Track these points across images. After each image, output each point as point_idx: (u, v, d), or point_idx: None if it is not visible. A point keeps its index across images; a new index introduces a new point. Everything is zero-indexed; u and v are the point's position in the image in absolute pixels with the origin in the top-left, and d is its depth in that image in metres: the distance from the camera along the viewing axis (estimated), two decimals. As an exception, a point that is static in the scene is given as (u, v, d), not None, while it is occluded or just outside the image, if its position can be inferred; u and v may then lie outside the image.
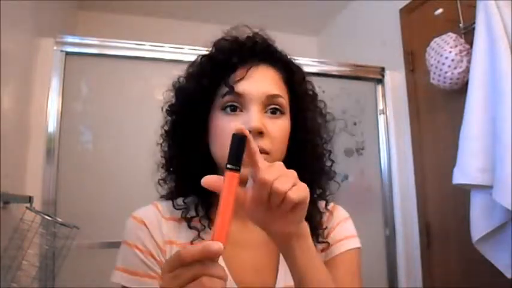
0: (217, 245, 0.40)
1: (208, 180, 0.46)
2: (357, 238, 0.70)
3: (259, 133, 0.59)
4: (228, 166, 0.44)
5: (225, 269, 0.61)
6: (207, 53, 0.67)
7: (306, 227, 0.52)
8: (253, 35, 0.66)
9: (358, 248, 0.69)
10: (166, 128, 0.69)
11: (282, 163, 0.47)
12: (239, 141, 0.44)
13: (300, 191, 0.45)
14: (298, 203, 0.45)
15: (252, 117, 0.59)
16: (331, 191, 0.71)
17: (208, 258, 0.40)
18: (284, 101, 0.64)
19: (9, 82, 1.25)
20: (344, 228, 0.70)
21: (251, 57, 0.64)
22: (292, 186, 0.45)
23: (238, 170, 0.44)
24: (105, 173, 1.53)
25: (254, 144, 0.46)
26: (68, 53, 1.54)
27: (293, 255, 0.51)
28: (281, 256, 0.64)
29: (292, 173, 0.46)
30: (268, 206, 0.46)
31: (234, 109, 0.62)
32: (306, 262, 0.51)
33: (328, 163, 0.71)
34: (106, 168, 1.54)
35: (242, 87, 0.61)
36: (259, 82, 0.62)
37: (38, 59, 1.50)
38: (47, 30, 1.57)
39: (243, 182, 0.48)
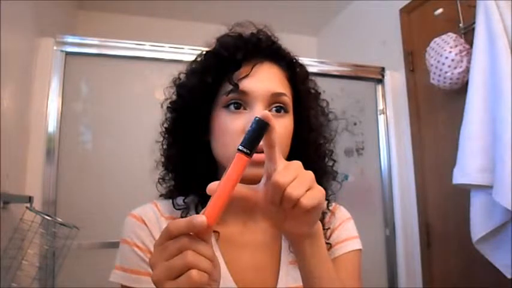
0: (200, 218, 0.39)
1: (213, 188, 0.44)
2: (358, 239, 0.69)
3: None
4: (240, 148, 0.41)
5: (226, 269, 0.61)
6: (210, 48, 0.66)
7: (319, 227, 0.51)
8: (258, 31, 0.65)
9: (360, 249, 0.68)
10: (166, 125, 0.68)
11: (300, 162, 0.46)
12: (261, 128, 0.41)
13: (313, 196, 0.43)
14: (312, 208, 0.43)
15: None
16: (333, 191, 0.71)
17: (194, 232, 0.40)
18: (288, 99, 0.63)
19: (9, 82, 1.25)
20: (346, 229, 0.70)
21: (255, 54, 0.62)
22: (306, 191, 0.43)
23: (249, 155, 0.41)
24: (105, 173, 1.53)
25: (275, 136, 0.44)
26: (68, 53, 1.54)
27: (304, 254, 0.51)
28: (282, 257, 0.64)
29: (310, 175, 0.45)
30: (282, 206, 0.44)
31: (237, 107, 0.60)
32: (316, 261, 0.51)
33: (330, 163, 0.70)
34: (106, 168, 1.54)
35: (247, 84, 0.60)
36: (264, 80, 0.61)
37: (38, 59, 1.50)
38: (47, 30, 1.57)
39: (257, 181, 0.47)
